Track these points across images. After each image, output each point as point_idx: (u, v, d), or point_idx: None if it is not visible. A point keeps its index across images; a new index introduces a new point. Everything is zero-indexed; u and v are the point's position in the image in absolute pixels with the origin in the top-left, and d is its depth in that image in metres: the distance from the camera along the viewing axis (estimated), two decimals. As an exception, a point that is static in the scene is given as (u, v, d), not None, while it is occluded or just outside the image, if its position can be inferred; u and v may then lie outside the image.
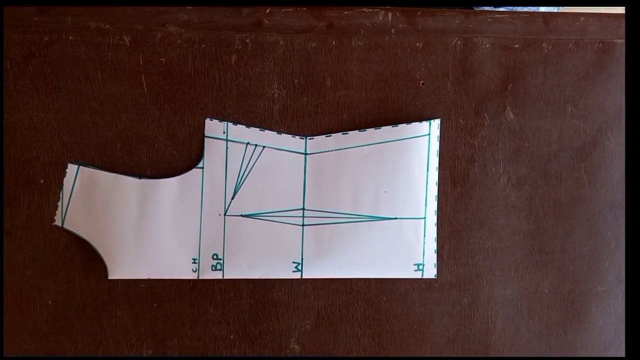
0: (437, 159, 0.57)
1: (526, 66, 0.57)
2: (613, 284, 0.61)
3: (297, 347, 0.58)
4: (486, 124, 0.58)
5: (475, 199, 0.58)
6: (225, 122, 0.55)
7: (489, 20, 0.56)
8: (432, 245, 0.58)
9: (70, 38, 0.53)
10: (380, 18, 0.55)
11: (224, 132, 0.55)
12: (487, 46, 0.57)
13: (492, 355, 0.60)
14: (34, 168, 0.54)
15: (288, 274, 0.57)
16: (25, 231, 0.55)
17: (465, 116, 0.57)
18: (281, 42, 0.55)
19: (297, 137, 0.56)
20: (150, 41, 0.54)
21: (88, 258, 0.55)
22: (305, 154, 0.56)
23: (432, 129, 0.57)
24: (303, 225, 0.57)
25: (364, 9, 0.55)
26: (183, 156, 0.55)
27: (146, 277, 0.55)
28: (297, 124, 0.56)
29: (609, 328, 0.61)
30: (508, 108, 0.58)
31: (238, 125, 0.55)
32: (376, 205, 0.57)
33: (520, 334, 0.60)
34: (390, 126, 0.56)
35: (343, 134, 0.56)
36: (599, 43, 0.58)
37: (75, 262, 0.55)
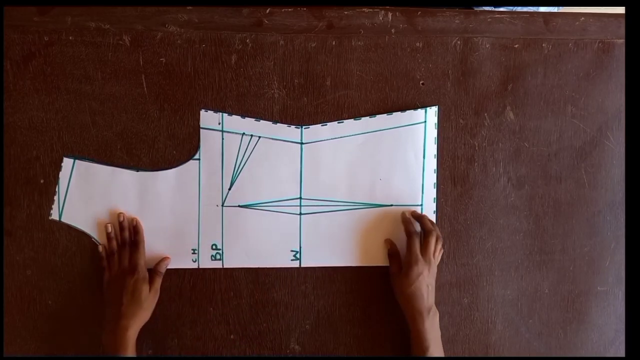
0: (435, 146, 0.57)
1: (526, 66, 0.57)
2: (613, 284, 0.61)
3: (297, 347, 0.58)
4: (486, 124, 0.58)
5: (475, 199, 0.58)
6: (220, 113, 0.55)
7: (489, 20, 0.56)
8: None
9: (70, 38, 0.53)
10: (380, 18, 0.55)
11: (219, 123, 0.55)
12: (487, 46, 0.57)
13: (492, 355, 0.60)
14: (34, 168, 0.54)
15: (287, 262, 0.57)
16: (25, 231, 0.55)
17: (465, 116, 0.57)
18: (281, 42, 0.55)
19: (293, 127, 0.56)
20: (150, 41, 0.54)
21: (88, 258, 0.55)
22: (301, 143, 0.56)
23: (428, 116, 0.57)
24: (300, 214, 0.57)
25: (364, 9, 0.55)
26: (183, 156, 0.55)
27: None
28: (297, 124, 0.56)
29: (609, 328, 0.61)
30: (508, 108, 0.58)
31: (233, 115, 0.55)
32: (372, 193, 0.57)
33: (520, 334, 0.60)
34: (385, 114, 0.56)
35: (338, 122, 0.56)
36: (599, 43, 0.58)
37: (75, 262, 0.55)
